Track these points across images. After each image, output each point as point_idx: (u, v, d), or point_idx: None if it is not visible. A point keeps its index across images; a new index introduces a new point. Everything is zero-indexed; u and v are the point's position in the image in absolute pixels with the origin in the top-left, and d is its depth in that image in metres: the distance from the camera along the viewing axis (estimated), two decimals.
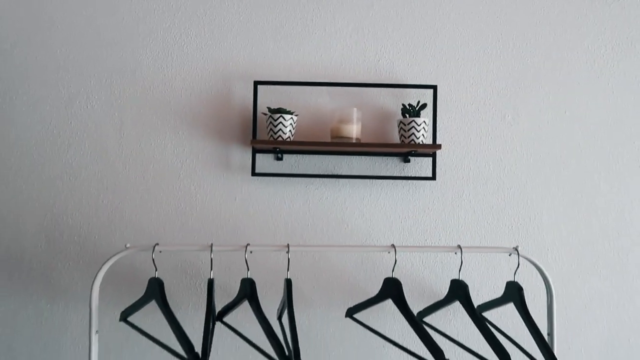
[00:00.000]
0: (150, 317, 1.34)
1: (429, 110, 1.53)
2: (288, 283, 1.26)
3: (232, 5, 1.58)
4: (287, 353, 1.15)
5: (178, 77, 1.57)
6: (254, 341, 1.26)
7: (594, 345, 1.53)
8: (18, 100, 1.57)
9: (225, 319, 1.32)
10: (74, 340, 1.54)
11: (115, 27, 1.58)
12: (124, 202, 1.56)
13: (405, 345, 1.28)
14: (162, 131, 1.57)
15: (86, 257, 1.54)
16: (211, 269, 1.26)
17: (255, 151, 1.53)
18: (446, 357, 1.15)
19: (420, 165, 1.56)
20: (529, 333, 1.27)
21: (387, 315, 1.49)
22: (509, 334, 1.36)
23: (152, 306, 1.26)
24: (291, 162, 1.56)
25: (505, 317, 1.39)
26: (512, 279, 1.32)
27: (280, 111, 1.46)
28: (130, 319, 1.29)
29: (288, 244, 1.27)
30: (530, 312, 1.28)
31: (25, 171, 1.56)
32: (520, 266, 1.32)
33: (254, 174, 1.53)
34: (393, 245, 1.29)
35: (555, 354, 1.26)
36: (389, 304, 1.32)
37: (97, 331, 1.26)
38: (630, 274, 1.55)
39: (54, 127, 1.57)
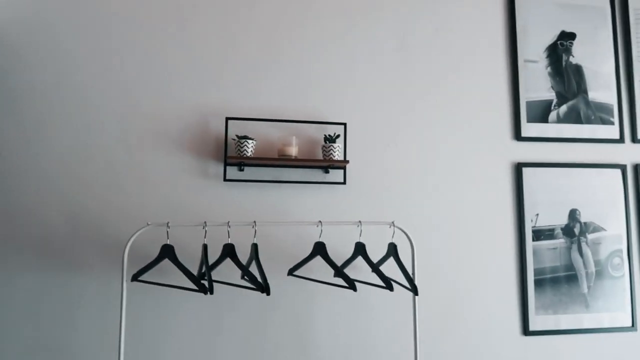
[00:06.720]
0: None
1: (341, 139, 2.34)
2: (255, 246, 1.98)
3: (210, 64, 2.31)
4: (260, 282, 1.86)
5: (171, 114, 2.26)
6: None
7: (441, 280, 2.38)
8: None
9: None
10: (90, 304, 2.11)
11: (125, 79, 2.24)
12: (129, 201, 2.19)
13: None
14: (159, 151, 2.23)
15: (99, 240, 2.15)
16: (204, 237, 1.94)
17: (226, 164, 2.24)
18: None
19: (336, 175, 2.35)
20: (401, 273, 2.09)
21: (315, 274, 2.21)
22: (389, 275, 2.15)
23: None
24: (250, 172, 2.29)
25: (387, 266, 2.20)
26: (391, 241, 2.15)
27: (245, 138, 2.20)
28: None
29: (254, 221, 2.00)
30: (402, 260, 2.11)
31: (52, 179, 2.15)
32: (396, 234, 2.15)
33: (225, 180, 2.24)
34: (320, 221, 2.06)
35: (416, 284, 2.09)
36: (317, 263, 2.07)
37: (126, 280, 1.89)
38: (466, 241, 2.43)
39: (75, 149, 2.18)
